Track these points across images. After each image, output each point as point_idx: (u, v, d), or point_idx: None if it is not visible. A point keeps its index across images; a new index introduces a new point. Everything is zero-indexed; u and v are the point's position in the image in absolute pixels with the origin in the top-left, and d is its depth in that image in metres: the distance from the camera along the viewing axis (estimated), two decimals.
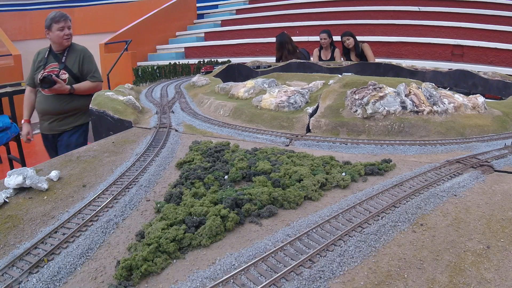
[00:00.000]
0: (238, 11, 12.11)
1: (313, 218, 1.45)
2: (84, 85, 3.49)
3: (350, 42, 5.56)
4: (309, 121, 2.68)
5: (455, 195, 1.61)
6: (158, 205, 1.58)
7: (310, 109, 2.78)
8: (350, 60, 5.64)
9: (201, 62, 6.23)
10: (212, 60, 6.43)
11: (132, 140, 2.60)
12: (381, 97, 2.56)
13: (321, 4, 10.12)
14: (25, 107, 3.66)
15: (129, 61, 9.08)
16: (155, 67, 5.57)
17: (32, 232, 1.45)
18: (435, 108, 2.56)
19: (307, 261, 1.17)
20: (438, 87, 3.01)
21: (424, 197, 1.58)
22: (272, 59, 6.55)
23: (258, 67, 5.52)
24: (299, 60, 5.50)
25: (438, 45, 7.40)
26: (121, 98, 3.35)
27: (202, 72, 5.43)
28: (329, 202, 1.60)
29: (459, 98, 2.77)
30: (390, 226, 1.37)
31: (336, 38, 5.91)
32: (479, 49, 7.00)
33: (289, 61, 5.53)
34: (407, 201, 1.54)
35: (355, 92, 2.70)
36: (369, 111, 2.53)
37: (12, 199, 1.73)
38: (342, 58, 5.81)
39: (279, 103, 2.91)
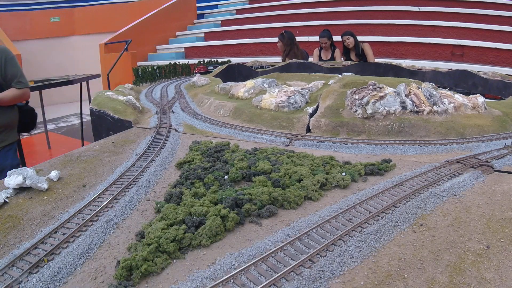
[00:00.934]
0: (238, 11, 12.11)
1: (313, 218, 1.45)
2: (9, 93, 2.86)
3: (350, 41, 5.56)
4: (309, 121, 2.68)
5: (455, 195, 1.61)
6: (158, 205, 1.58)
7: (310, 109, 2.78)
8: (350, 59, 5.63)
9: (201, 62, 6.23)
10: (212, 60, 6.43)
11: (132, 140, 2.60)
12: (381, 97, 2.56)
13: (321, 4, 10.12)
14: None
15: (129, 61, 9.08)
16: (155, 67, 5.57)
17: (32, 232, 1.45)
18: (435, 108, 2.56)
19: (307, 261, 1.17)
20: (438, 87, 3.01)
21: (424, 197, 1.58)
22: (272, 59, 6.55)
23: (262, 66, 5.53)
24: (299, 60, 5.51)
25: (438, 45, 7.40)
26: (121, 98, 3.35)
27: (195, 73, 5.43)
28: (329, 202, 1.60)
29: (459, 98, 2.77)
30: (390, 226, 1.37)
31: (336, 38, 5.91)
32: (479, 49, 7.00)
33: (289, 61, 5.53)
34: (407, 201, 1.54)
35: (355, 92, 2.70)
36: (369, 111, 2.53)
37: (12, 199, 1.73)
38: (342, 58, 5.81)
39: (279, 103, 2.91)
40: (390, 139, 2.37)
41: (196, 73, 5.42)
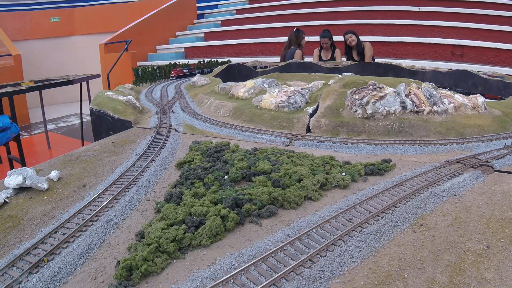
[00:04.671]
0: (238, 11, 12.12)
1: (313, 218, 1.45)
2: None
3: (352, 39, 5.56)
4: (309, 121, 2.68)
5: (455, 195, 1.61)
6: (158, 205, 1.58)
7: (310, 109, 2.78)
8: (352, 58, 5.63)
9: (201, 62, 6.23)
10: (212, 60, 6.43)
11: (132, 140, 2.60)
12: (381, 97, 2.56)
13: (321, 4, 10.12)
14: None
15: (129, 61, 9.09)
16: (155, 67, 5.57)
17: (32, 232, 1.45)
18: (435, 108, 2.56)
19: (307, 261, 1.17)
20: (438, 87, 3.01)
21: (424, 197, 1.58)
22: (272, 59, 6.56)
23: (266, 66, 5.53)
24: (299, 60, 5.51)
25: (438, 45, 7.40)
26: (121, 98, 3.35)
27: (172, 77, 5.38)
28: (329, 202, 1.60)
29: (459, 98, 2.77)
30: (390, 226, 1.37)
31: (336, 38, 5.91)
32: (479, 49, 7.00)
33: (289, 61, 5.53)
34: (407, 201, 1.54)
35: (355, 92, 2.70)
36: (369, 111, 2.52)
37: (12, 199, 1.73)
38: (344, 58, 5.81)
39: (279, 103, 2.91)
40: (390, 139, 2.37)
41: (172, 76, 5.39)
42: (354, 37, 5.58)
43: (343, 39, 5.70)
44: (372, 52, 5.61)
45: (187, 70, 5.59)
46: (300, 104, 2.93)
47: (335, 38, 5.92)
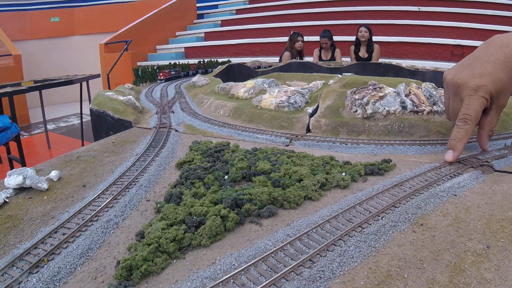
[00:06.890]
0: (238, 11, 12.13)
1: (313, 218, 1.44)
2: None
3: (362, 34, 5.55)
4: (309, 121, 2.68)
5: (455, 195, 1.61)
6: (158, 205, 1.58)
7: (310, 109, 2.78)
8: (357, 54, 5.63)
9: (201, 62, 6.23)
10: (212, 60, 6.43)
11: (132, 140, 2.60)
12: (381, 97, 2.56)
13: (321, 4, 10.13)
14: None
15: (129, 61, 9.10)
16: (155, 67, 5.58)
17: (32, 232, 1.45)
18: (435, 108, 2.56)
19: (307, 261, 1.17)
20: (438, 87, 3.00)
21: (424, 197, 1.57)
22: (272, 59, 6.57)
23: (265, 67, 5.53)
24: (299, 60, 5.51)
25: (438, 45, 7.41)
26: (121, 98, 3.36)
27: (161, 79, 5.34)
28: (329, 202, 1.60)
29: None
30: (390, 226, 1.36)
31: (337, 38, 5.93)
32: None
33: (289, 61, 5.54)
34: (407, 201, 1.54)
35: (355, 92, 2.70)
36: (369, 111, 2.52)
37: (12, 199, 1.73)
38: (352, 48, 5.80)
39: (279, 103, 2.91)
40: (390, 139, 2.37)
41: (161, 79, 5.37)
42: (367, 33, 5.57)
43: (343, 39, 5.72)
44: (379, 57, 5.63)
45: (174, 72, 5.55)
46: (300, 104, 2.93)
47: (335, 38, 5.93)
